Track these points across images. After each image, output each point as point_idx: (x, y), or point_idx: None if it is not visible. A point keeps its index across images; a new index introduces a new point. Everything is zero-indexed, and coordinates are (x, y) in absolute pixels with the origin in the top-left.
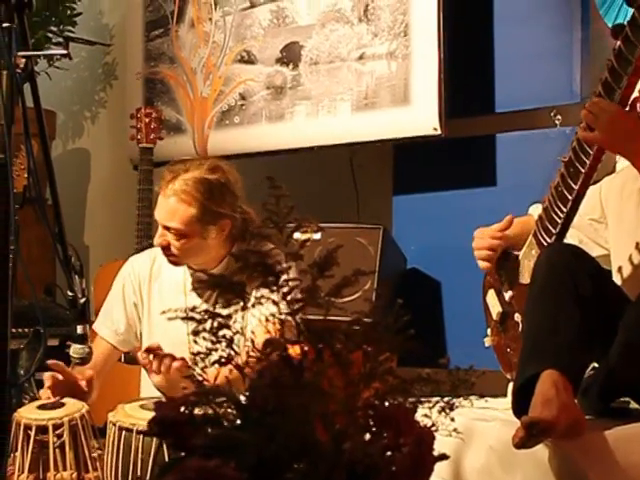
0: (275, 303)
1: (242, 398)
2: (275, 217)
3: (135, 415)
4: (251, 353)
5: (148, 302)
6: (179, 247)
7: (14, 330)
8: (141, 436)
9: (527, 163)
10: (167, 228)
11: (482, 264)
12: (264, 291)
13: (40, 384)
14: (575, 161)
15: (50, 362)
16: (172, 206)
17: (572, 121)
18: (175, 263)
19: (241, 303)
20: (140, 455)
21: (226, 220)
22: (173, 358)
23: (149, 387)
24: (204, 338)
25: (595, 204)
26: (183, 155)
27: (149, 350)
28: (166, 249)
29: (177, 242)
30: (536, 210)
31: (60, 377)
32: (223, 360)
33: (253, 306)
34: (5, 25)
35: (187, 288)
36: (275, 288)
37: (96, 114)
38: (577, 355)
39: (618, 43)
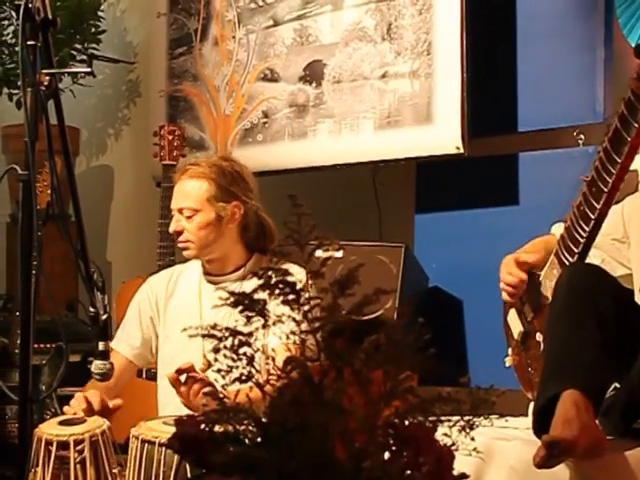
0: (296, 321)
1: (262, 416)
2: (296, 235)
3: (158, 429)
4: (272, 371)
5: (164, 317)
6: (194, 231)
7: (36, 346)
8: (163, 449)
9: (550, 182)
10: (181, 212)
11: (505, 297)
12: (284, 308)
13: (62, 400)
14: (598, 180)
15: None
16: (186, 187)
17: (595, 140)
18: (190, 253)
19: (262, 320)
20: (162, 468)
21: (238, 202)
22: (204, 384)
23: (166, 405)
24: (225, 356)
25: (617, 223)
26: None
27: (180, 371)
28: (179, 234)
29: (191, 224)
30: (558, 229)
31: (96, 406)
32: (244, 378)
33: (274, 324)
34: (30, 43)
35: (203, 301)
36: (296, 306)
37: (120, 131)
38: (598, 375)
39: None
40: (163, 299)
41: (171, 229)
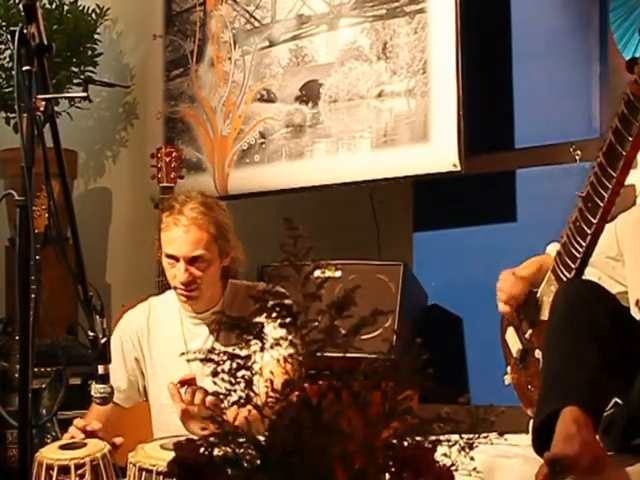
0: (293, 344)
1: (261, 439)
2: (293, 258)
3: (155, 455)
4: (270, 394)
5: (149, 355)
6: (204, 276)
7: (36, 369)
8: (161, 477)
9: (547, 199)
10: (192, 261)
11: (502, 307)
12: (279, 331)
13: (62, 423)
14: (593, 195)
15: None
16: (190, 236)
17: (592, 156)
18: (194, 298)
19: (259, 344)
20: None
21: (234, 242)
22: (206, 392)
23: (160, 427)
24: (223, 379)
25: (611, 242)
26: None
27: (183, 382)
28: (190, 284)
29: (202, 272)
30: (553, 249)
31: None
32: (242, 401)
33: (271, 347)
34: (25, 68)
35: (186, 337)
36: (293, 329)
37: (117, 153)
38: (597, 391)
39: (634, 77)
40: (145, 338)
41: (182, 279)
